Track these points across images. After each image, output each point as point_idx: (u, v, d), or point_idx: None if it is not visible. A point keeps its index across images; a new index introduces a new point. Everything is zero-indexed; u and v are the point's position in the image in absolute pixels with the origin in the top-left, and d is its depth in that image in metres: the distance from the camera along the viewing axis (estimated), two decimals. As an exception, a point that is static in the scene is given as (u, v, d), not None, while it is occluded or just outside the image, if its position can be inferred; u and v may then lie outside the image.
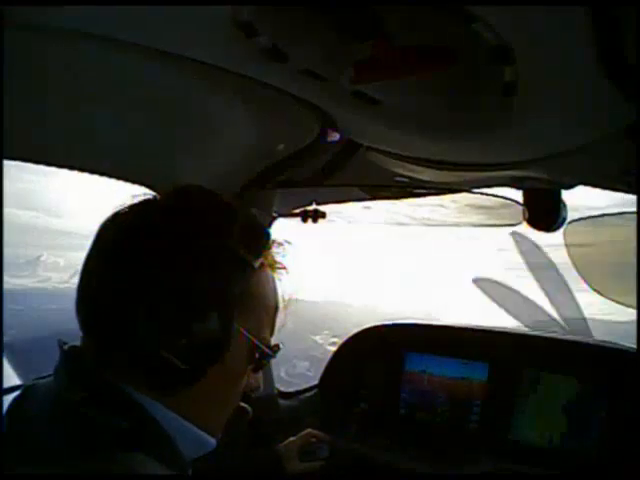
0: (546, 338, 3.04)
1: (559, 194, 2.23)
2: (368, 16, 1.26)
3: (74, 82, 1.58)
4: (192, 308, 1.11)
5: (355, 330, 3.37)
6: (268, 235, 1.28)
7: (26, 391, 1.21)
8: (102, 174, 2.05)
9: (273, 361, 2.93)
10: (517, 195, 2.22)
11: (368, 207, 2.42)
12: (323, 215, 2.40)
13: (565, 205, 2.26)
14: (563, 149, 1.73)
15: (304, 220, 2.42)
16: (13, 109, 1.57)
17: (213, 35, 1.31)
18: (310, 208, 2.41)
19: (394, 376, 3.17)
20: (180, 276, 1.11)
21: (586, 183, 2.16)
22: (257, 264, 1.21)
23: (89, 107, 1.72)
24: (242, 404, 1.36)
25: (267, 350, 1.28)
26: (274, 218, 2.66)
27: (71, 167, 1.95)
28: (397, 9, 1.19)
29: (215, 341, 1.14)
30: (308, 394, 3.31)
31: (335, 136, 1.98)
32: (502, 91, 1.34)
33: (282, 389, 3.19)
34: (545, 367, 2.80)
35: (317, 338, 14.58)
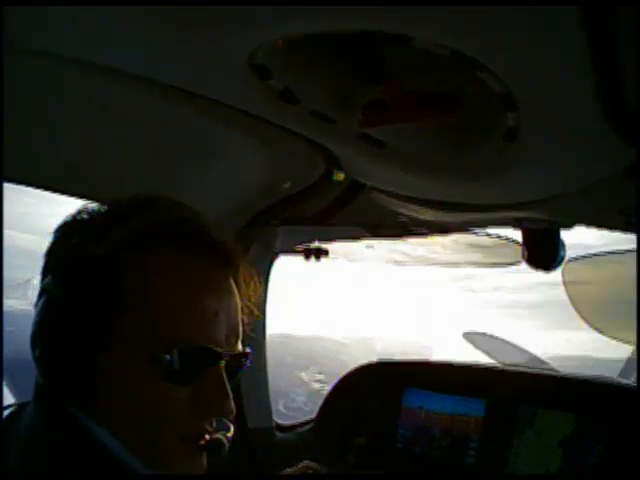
0: (542, 375, 3.05)
1: (558, 233, 2.25)
2: (378, 61, 1.31)
3: (86, 112, 1.63)
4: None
5: (344, 367, 3.40)
6: None
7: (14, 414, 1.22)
8: (102, 203, 2.06)
9: (271, 394, 2.94)
10: (516, 234, 2.25)
11: (370, 245, 2.44)
12: (325, 253, 2.40)
13: (564, 244, 2.27)
14: (563, 191, 1.76)
15: (306, 257, 2.43)
16: (19, 134, 1.60)
17: (228, 76, 1.36)
18: (312, 245, 2.41)
19: (392, 411, 3.17)
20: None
21: (585, 223, 2.19)
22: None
23: (96, 137, 1.76)
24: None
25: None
26: (276, 254, 2.67)
27: (72, 194, 1.95)
28: (405, 56, 1.23)
29: None
30: (305, 427, 3.32)
31: (340, 176, 2.00)
32: (504, 136, 1.38)
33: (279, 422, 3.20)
34: (541, 403, 2.82)
35: (302, 375, 14.43)
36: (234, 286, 1.20)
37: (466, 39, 1.07)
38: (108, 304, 1.08)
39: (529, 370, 3.30)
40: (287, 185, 2.15)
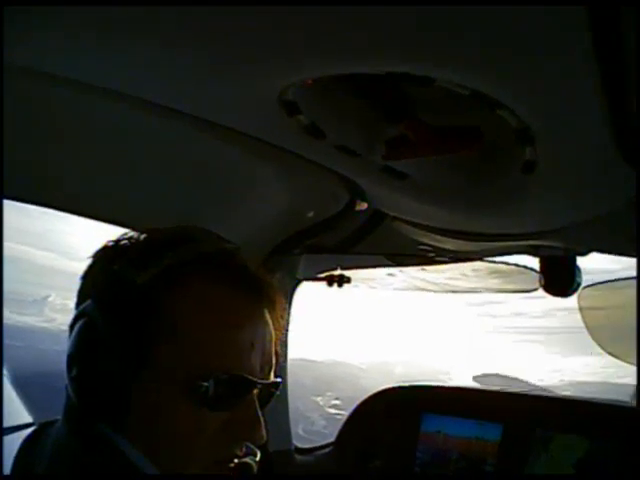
0: (558, 399, 3.08)
1: (574, 260, 2.28)
2: (400, 100, 1.37)
3: (108, 139, 1.66)
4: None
5: (362, 392, 3.43)
6: None
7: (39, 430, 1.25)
8: (125, 227, 2.06)
9: (291, 418, 2.96)
10: (533, 262, 2.28)
11: (391, 274, 2.47)
12: (348, 280, 2.42)
13: (580, 270, 2.31)
14: (578, 220, 1.81)
15: (329, 284, 2.45)
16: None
17: (256, 111, 1.41)
18: (335, 273, 2.44)
19: (410, 435, 3.19)
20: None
21: (599, 250, 2.22)
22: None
23: (119, 164, 1.80)
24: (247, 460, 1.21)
25: None
26: (299, 281, 2.71)
27: (95, 218, 2.00)
28: (428, 93, 1.28)
29: None
30: (324, 450, 3.36)
31: (363, 206, 2.02)
32: (522, 168, 1.43)
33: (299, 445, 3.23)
34: (557, 427, 2.84)
35: (318, 399, 14.29)
36: (269, 318, 1.22)
37: (485, 80, 1.13)
38: (147, 331, 1.10)
39: (545, 394, 3.32)
40: (311, 215, 2.18)
